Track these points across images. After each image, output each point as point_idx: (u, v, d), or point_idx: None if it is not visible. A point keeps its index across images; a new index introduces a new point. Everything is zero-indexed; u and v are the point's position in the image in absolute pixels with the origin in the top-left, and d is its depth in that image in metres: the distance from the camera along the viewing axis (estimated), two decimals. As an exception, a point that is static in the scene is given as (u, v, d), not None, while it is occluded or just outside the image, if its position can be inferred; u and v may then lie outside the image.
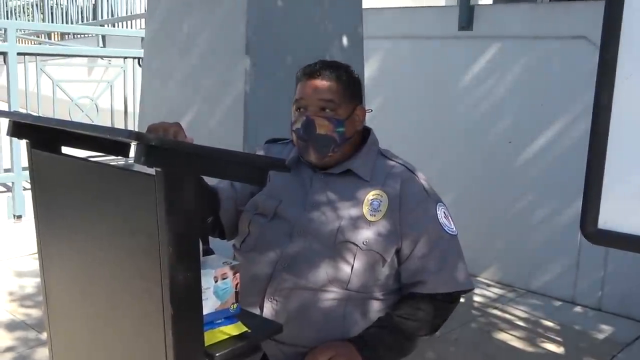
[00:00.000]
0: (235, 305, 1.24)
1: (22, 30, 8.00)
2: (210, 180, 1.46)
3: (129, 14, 7.90)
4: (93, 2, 8.44)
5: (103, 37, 7.40)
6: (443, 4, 5.12)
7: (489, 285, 3.93)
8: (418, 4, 4.62)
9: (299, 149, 1.67)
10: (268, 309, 1.59)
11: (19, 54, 4.54)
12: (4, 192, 4.67)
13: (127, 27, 7.89)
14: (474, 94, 3.97)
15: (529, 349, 3.11)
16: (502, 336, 3.23)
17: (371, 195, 1.63)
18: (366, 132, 1.75)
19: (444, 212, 1.67)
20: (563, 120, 3.62)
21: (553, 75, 3.67)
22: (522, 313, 3.54)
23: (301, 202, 1.65)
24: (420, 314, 1.60)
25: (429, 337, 1.65)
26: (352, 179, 1.66)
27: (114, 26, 7.99)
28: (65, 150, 1.41)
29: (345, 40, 2.79)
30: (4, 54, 4.46)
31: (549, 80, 3.68)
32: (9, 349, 2.79)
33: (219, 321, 1.22)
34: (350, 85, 1.67)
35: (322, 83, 1.64)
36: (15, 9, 10.13)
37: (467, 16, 3.94)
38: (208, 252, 1.32)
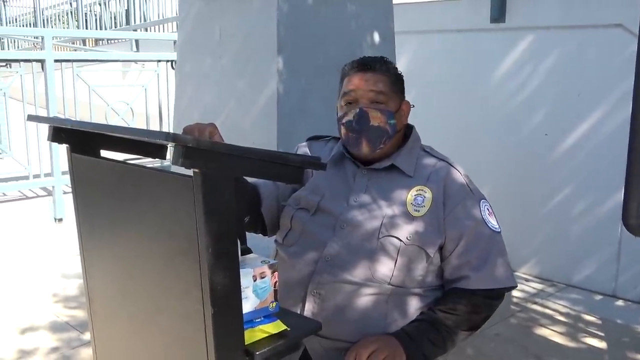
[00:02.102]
0: (275, 303, 1.25)
1: (58, 38, 8.16)
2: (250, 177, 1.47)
3: (160, 18, 7.99)
4: (126, 8, 8.56)
5: (136, 41, 7.50)
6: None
7: (527, 280, 3.88)
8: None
9: (349, 141, 1.67)
10: (310, 305, 1.60)
11: (55, 60, 4.63)
12: (45, 195, 4.77)
13: (159, 31, 7.99)
14: (508, 87, 3.92)
15: (570, 344, 3.06)
16: (543, 331, 3.18)
17: (415, 190, 1.63)
18: (408, 129, 1.76)
19: (488, 209, 1.66)
20: (600, 111, 3.56)
21: (589, 65, 3.60)
22: (562, 308, 3.48)
23: (344, 197, 1.66)
24: (462, 309, 1.60)
25: (471, 334, 1.64)
26: (395, 175, 1.67)
27: (146, 30, 8.09)
28: (104, 153, 1.43)
29: (376, 36, 2.78)
30: (42, 61, 4.56)
31: (585, 70, 3.62)
32: (53, 350, 2.85)
33: (259, 320, 1.23)
34: (396, 79, 1.70)
35: (372, 76, 1.65)
36: (51, 18, 10.34)
37: (499, 8, 3.89)
38: (246, 251, 1.33)
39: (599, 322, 3.32)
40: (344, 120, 1.66)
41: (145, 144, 1.41)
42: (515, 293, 3.64)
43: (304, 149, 1.85)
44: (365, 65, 1.67)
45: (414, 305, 1.60)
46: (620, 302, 3.57)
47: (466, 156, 3.86)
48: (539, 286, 3.80)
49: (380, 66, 1.67)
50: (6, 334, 2.97)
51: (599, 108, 3.56)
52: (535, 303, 3.54)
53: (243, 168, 1.15)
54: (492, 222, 1.65)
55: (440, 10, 4.27)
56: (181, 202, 1.11)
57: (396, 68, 1.73)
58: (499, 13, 3.89)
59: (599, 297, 3.64)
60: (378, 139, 1.64)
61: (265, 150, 1.19)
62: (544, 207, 3.85)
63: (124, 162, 1.32)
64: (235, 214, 1.12)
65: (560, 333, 3.16)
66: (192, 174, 1.07)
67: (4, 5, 11.61)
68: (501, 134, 3.98)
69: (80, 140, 1.39)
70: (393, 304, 1.59)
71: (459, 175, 1.67)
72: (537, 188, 3.86)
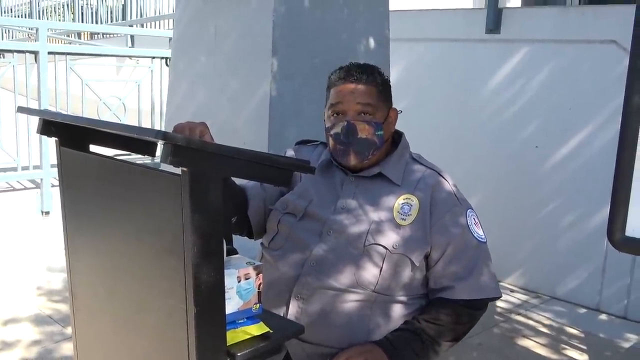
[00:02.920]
0: (258, 305, 1.24)
1: (53, 30, 8.13)
2: (239, 179, 1.47)
3: (157, 14, 7.98)
4: (122, 3, 8.54)
5: (131, 37, 7.49)
6: (471, 6, 5.09)
7: (512, 291, 3.90)
8: (445, 6, 4.59)
9: (337, 153, 1.67)
10: (294, 308, 1.60)
11: (49, 53, 4.61)
12: (33, 188, 4.74)
13: (155, 27, 7.98)
14: (500, 98, 3.94)
15: (553, 356, 3.07)
16: (526, 342, 3.19)
17: (402, 199, 1.63)
18: (397, 136, 1.75)
19: (474, 219, 1.66)
20: (591, 125, 3.58)
21: (582, 80, 3.62)
22: (546, 320, 3.50)
23: (331, 204, 1.66)
24: (446, 319, 1.60)
25: (454, 344, 1.65)
26: (383, 183, 1.67)
27: (142, 26, 8.07)
28: (93, 148, 1.43)
29: (372, 42, 2.79)
30: (35, 53, 4.54)
31: (578, 84, 3.64)
32: (35, 343, 2.83)
33: (242, 321, 1.23)
34: (384, 88, 1.69)
35: (359, 87, 1.64)
36: (46, 9, 10.29)
37: (494, 19, 3.91)
38: (232, 252, 1.33)
39: (582, 335, 3.33)
40: (332, 132, 1.66)
41: (136, 140, 1.40)
42: (499, 303, 3.65)
43: (292, 152, 1.85)
44: (352, 75, 1.66)
45: (398, 313, 1.61)
46: (603, 316, 3.59)
47: (457, 165, 3.88)
48: (524, 297, 3.81)
49: (367, 77, 1.66)
50: (-12, 326, 2.95)
51: (591, 122, 3.58)
52: (519, 314, 3.56)
53: (232, 168, 1.15)
54: (479, 232, 1.66)
55: (436, 19, 4.29)
56: (169, 200, 1.11)
57: (383, 75, 1.72)
58: (494, 24, 3.91)
59: (582, 311, 3.66)
60: (366, 151, 1.64)
61: (255, 151, 1.19)
62: (532, 218, 3.86)
63: (112, 158, 1.31)
64: (223, 214, 1.12)
65: (543, 345, 3.18)
66: (180, 173, 1.07)
67: (0, -4, 11.56)
68: (493, 144, 4.00)
69: (70, 134, 1.38)
70: (377, 310, 1.59)
71: (447, 184, 1.68)
72: (526, 199, 3.88)
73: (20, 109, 1.41)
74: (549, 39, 3.76)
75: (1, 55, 6.06)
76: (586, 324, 3.47)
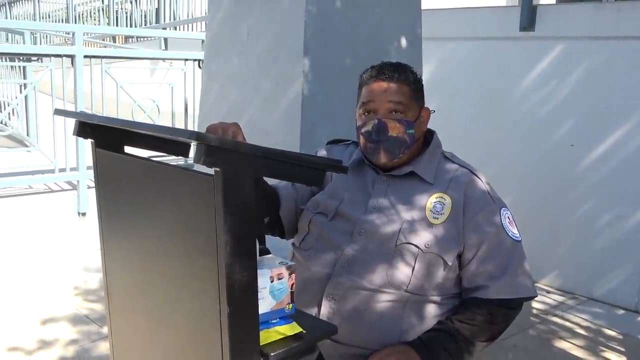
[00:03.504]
0: (291, 305, 1.25)
1: (89, 34, 8.27)
2: (270, 179, 1.48)
3: (189, 17, 8.06)
4: (156, 6, 8.65)
5: (165, 40, 7.57)
6: (504, 4, 5.03)
7: (549, 292, 3.83)
8: (478, 4, 4.54)
9: (368, 151, 1.67)
10: (326, 308, 1.60)
11: (85, 56, 4.70)
12: (70, 190, 4.83)
13: (188, 30, 8.06)
14: (535, 96, 3.88)
15: (590, 358, 3.01)
16: (562, 344, 3.14)
17: (434, 198, 1.61)
18: (429, 135, 1.74)
19: (508, 217, 1.64)
20: (628, 124, 3.50)
21: (618, 77, 3.55)
22: (583, 321, 3.44)
23: (363, 203, 1.66)
24: (480, 319, 1.58)
25: (488, 344, 1.62)
26: (415, 182, 1.65)
27: (175, 29, 8.17)
28: (128, 150, 1.45)
29: (403, 41, 2.77)
30: (72, 56, 4.62)
31: (614, 82, 3.57)
32: (72, 342, 2.88)
33: (274, 321, 1.23)
34: (416, 87, 1.68)
35: (390, 85, 1.63)
36: (82, 14, 10.48)
37: (529, 16, 3.85)
38: (264, 252, 1.33)
39: (620, 337, 3.26)
40: (362, 130, 1.66)
41: (169, 141, 1.42)
42: (535, 304, 3.60)
43: (323, 152, 1.85)
44: (384, 74, 1.65)
45: (431, 313, 1.59)
46: (642, 318, 3.52)
47: (491, 164, 3.84)
48: (560, 298, 3.75)
49: (399, 75, 1.65)
50: (27, 325, 3.01)
51: (628, 121, 3.51)
52: (556, 315, 3.50)
53: (264, 168, 1.15)
54: (513, 230, 1.63)
55: (469, 17, 4.25)
56: (202, 200, 1.12)
57: (415, 74, 1.71)
58: (528, 22, 3.85)
59: (621, 312, 3.58)
60: (397, 149, 1.64)
61: (288, 151, 1.19)
62: (568, 218, 3.80)
63: (147, 159, 1.33)
64: (255, 214, 1.12)
65: (580, 347, 3.12)
66: (213, 173, 1.07)
67: (38, 1, 11.78)
68: (527, 143, 3.94)
69: (105, 135, 1.41)
70: (410, 310, 1.58)
71: (480, 182, 1.65)
72: (561, 199, 3.82)
73: (57, 111, 1.44)
74: (584, 36, 3.69)
75: (39, 60, 6.20)
76: (625, 326, 3.40)
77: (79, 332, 2.98)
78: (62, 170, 4.66)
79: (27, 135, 5.18)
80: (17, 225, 4.22)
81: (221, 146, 1.06)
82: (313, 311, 1.62)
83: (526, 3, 3.88)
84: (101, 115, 4.61)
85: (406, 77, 1.66)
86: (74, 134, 1.41)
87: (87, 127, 1.40)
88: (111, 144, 1.41)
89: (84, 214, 4.61)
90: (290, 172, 1.21)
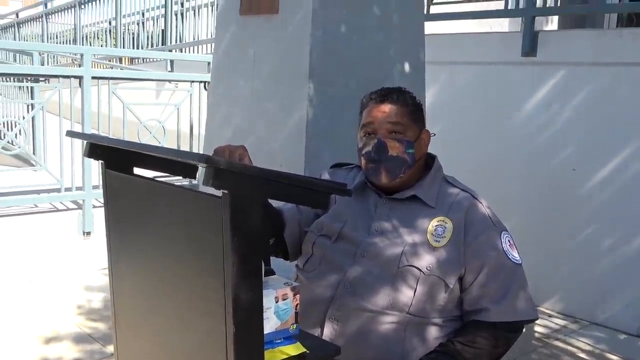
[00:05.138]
0: (295, 325, 1.27)
1: (95, 55, 8.35)
2: (275, 202, 1.50)
3: (195, 39, 8.14)
4: (162, 28, 8.75)
5: (171, 61, 7.65)
6: (506, 29, 5.08)
7: (550, 316, 3.83)
8: (481, 30, 4.60)
9: (369, 172, 1.70)
10: (329, 329, 1.61)
11: (93, 77, 4.75)
12: (75, 209, 4.86)
13: (193, 52, 8.14)
14: (537, 120, 3.92)
15: (593, 383, 3.01)
16: (565, 369, 3.14)
17: (435, 221, 1.64)
18: (430, 159, 1.77)
19: (509, 241, 1.66)
20: (630, 149, 3.53)
21: (620, 103, 3.58)
22: (585, 345, 3.43)
23: (366, 226, 1.68)
24: (482, 342, 1.59)
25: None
26: (417, 205, 1.68)
27: (181, 51, 8.25)
28: (136, 170, 1.48)
29: (407, 66, 2.82)
30: (80, 77, 4.68)
31: (616, 107, 3.60)
32: (76, 361, 2.89)
33: (279, 341, 1.25)
34: (415, 109, 1.72)
35: (390, 107, 1.68)
36: (89, 35, 10.59)
37: (531, 42, 3.90)
38: (269, 272, 1.35)
39: (623, 362, 3.26)
40: (363, 151, 1.70)
41: (177, 163, 1.45)
42: (537, 328, 3.59)
43: (327, 175, 1.88)
44: (383, 96, 1.71)
45: (433, 335, 1.61)
46: (645, 343, 3.51)
47: (493, 188, 3.86)
48: (562, 322, 3.75)
49: (397, 97, 1.71)
50: (30, 344, 3.02)
51: (629, 146, 3.53)
52: (558, 339, 3.49)
53: (271, 191, 1.18)
54: (514, 253, 1.66)
55: (471, 42, 4.30)
56: (209, 221, 1.15)
57: (414, 97, 1.76)
58: (530, 47, 3.90)
59: (623, 337, 3.58)
60: (397, 169, 1.67)
61: (294, 174, 1.22)
62: (570, 242, 3.81)
63: (155, 180, 1.36)
64: (262, 236, 1.14)
65: (583, 371, 3.12)
66: (221, 195, 1.10)
67: (47, 22, 11.92)
68: (529, 167, 3.97)
69: (115, 157, 1.44)
70: (412, 332, 1.59)
71: (481, 206, 1.68)
72: (563, 223, 3.83)
73: (69, 133, 1.48)
74: (586, 62, 3.73)
75: (46, 80, 6.27)
76: (627, 351, 3.39)
77: (82, 351, 2.99)
78: (68, 189, 4.69)
79: (34, 154, 5.22)
80: (22, 244, 4.24)
81: (229, 169, 1.09)
82: (316, 332, 1.63)
83: (528, 29, 3.93)
84: (108, 135, 4.67)
85: (404, 99, 1.72)
86: (84, 155, 1.44)
87: (97, 149, 1.43)
88: (120, 165, 1.45)
89: (88, 234, 4.63)
90: (296, 195, 1.23)
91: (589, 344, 3.45)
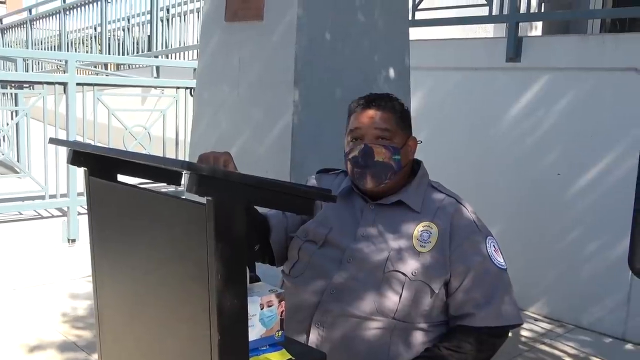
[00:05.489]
0: (280, 332, 1.26)
1: (81, 61, 8.31)
2: (261, 207, 1.50)
3: (181, 45, 8.13)
4: (148, 34, 8.73)
5: (157, 67, 7.63)
6: (491, 35, 5.12)
7: (536, 320, 3.85)
8: (466, 35, 4.63)
9: (355, 176, 1.71)
10: (314, 335, 1.61)
11: (77, 84, 4.73)
12: (60, 216, 4.82)
13: (180, 58, 8.12)
14: (521, 126, 3.94)
15: (578, 386, 3.02)
16: (550, 372, 3.15)
17: (421, 226, 1.65)
18: (416, 165, 1.78)
19: (494, 246, 1.67)
20: (613, 153, 3.56)
21: (603, 107, 3.62)
22: (570, 349, 3.45)
23: (352, 231, 1.68)
24: (467, 347, 1.60)
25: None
26: (402, 210, 1.69)
27: (167, 57, 8.23)
28: (120, 177, 1.47)
29: (392, 72, 2.83)
30: (64, 84, 4.65)
31: (599, 112, 3.63)
32: (60, 370, 2.86)
33: (264, 348, 1.25)
34: (402, 116, 1.73)
35: (377, 113, 1.69)
36: (74, 41, 10.54)
37: (515, 47, 3.93)
38: (254, 279, 1.35)
39: (608, 365, 3.28)
40: (350, 156, 1.70)
41: (161, 170, 1.44)
42: (523, 332, 3.61)
43: (313, 181, 1.88)
44: (371, 102, 1.72)
45: (419, 340, 1.61)
46: (629, 346, 3.53)
47: (478, 193, 3.88)
48: (548, 326, 3.77)
49: (385, 103, 1.71)
50: (14, 352, 2.99)
51: (613, 150, 3.57)
52: (544, 343, 3.51)
53: (255, 197, 1.18)
54: (499, 259, 1.67)
55: (456, 47, 4.32)
56: (193, 228, 1.14)
57: (402, 104, 1.77)
58: (515, 52, 3.93)
59: (608, 340, 3.60)
60: (383, 174, 1.67)
61: (278, 181, 1.22)
62: (555, 246, 3.83)
63: (139, 187, 1.35)
64: (246, 242, 1.14)
65: (568, 375, 3.13)
66: (205, 202, 1.10)
67: (31, 28, 11.85)
68: (514, 172, 3.99)
69: (99, 164, 1.43)
70: (397, 338, 1.59)
71: (466, 211, 1.69)
72: (548, 227, 3.86)
73: (52, 140, 1.47)
74: (569, 67, 3.77)
75: (30, 87, 6.23)
76: (612, 354, 3.41)
77: (66, 360, 2.97)
78: (53, 196, 4.66)
79: (18, 161, 5.18)
80: (6, 251, 4.20)
81: (212, 176, 1.09)
82: (301, 338, 1.63)
83: (512, 34, 3.97)
84: (92, 141, 4.65)
85: (392, 105, 1.72)
86: (67, 163, 1.43)
87: (80, 156, 1.43)
88: (104, 172, 1.44)
89: (73, 241, 4.60)
90: (281, 201, 1.23)
91: (574, 348, 3.47)
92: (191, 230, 1.15)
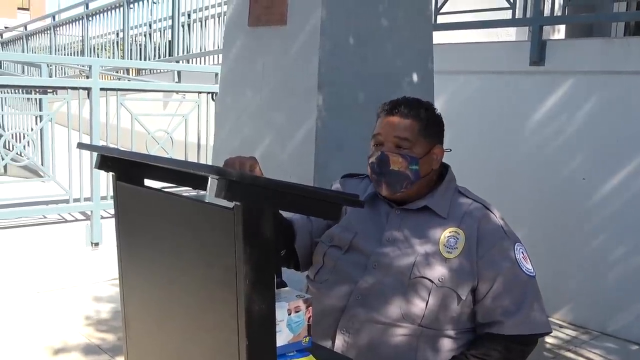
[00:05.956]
0: (308, 338, 1.26)
1: (103, 67, 8.39)
2: (286, 212, 1.50)
3: (202, 50, 8.18)
4: (169, 39, 8.79)
5: (178, 72, 7.68)
6: (514, 39, 5.08)
7: (561, 326, 3.80)
8: (489, 39, 4.60)
9: (373, 182, 1.70)
10: (340, 341, 1.60)
11: (101, 89, 4.77)
12: (83, 220, 4.87)
13: (200, 63, 8.17)
14: (546, 130, 3.91)
15: (605, 394, 2.98)
16: (576, 380, 3.11)
17: (448, 232, 1.63)
18: (444, 169, 1.76)
19: (522, 253, 1.65)
20: (639, 158, 3.51)
21: (628, 111, 3.57)
22: (596, 356, 3.40)
23: (377, 237, 1.67)
24: (495, 355, 1.58)
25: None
26: (429, 216, 1.67)
27: (188, 62, 8.28)
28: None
29: (415, 76, 2.81)
30: (88, 89, 4.70)
31: (624, 116, 3.59)
32: (84, 373, 2.88)
33: (291, 354, 1.24)
34: (429, 124, 1.69)
35: (399, 120, 1.67)
36: (96, 46, 10.66)
37: (538, 51, 3.90)
38: (281, 284, 1.35)
39: (635, 373, 3.23)
40: (369, 161, 1.70)
41: (187, 174, 1.45)
42: (548, 339, 3.56)
43: (338, 185, 1.87)
44: (393, 108, 1.69)
45: (446, 347, 1.59)
46: (657, 354, 3.48)
47: (502, 198, 3.83)
48: (573, 333, 3.72)
49: (409, 111, 1.68)
50: (38, 355, 3.02)
51: (639, 155, 3.52)
52: (569, 350, 3.47)
53: (283, 202, 1.17)
54: (527, 265, 1.64)
55: (480, 51, 4.30)
56: (221, 233, 1.14)
57: (431, 111, 1.72)
58: (538, 56, 3.90)
59: (634, 347, 3.55)
60: (398, 184, 1.65)
61: (305, 185, 1.21)
62: (580, 252, 3.79)
63: (166, 192, 1.35)
64: (274, 247, 1.14)
65: (594, 383, 3.09)
66: (232, 206, 1.10)
67: (55, 34, 12.00)
68: (538, 176, 3.95)
69: (126, 168, 1.43)
70: (424, 345, 1.58)
71: (494, 217, 1.67)
72: (574, 232, 3.81)
73: (80, 145, 1.48)
74: (593, 71, 3.72)
75: (54, 92, 6.30)
76: (639, 362, 3.36)
77: (90, 363, 2.99)
78: (76, 200, 4.71)
79: (42, 165, 5.24)
80: (31, 254, 4.25)
81: (241, 181, 1.08)
82: (327, 344, 1.62)
83: (536, 38, 3.93)
84: (116, 146, 4.69)
85: (417, 113, 1.69)
86: (95, 167, 1.44)
87: (108, 161, 1.43)
88: (131, 177, 1.44)
89: (96, 244, 4.64)
90: (308, 207, 1.22)
91: (600, 355, 3.42)
92: (219, 235, 1.15)
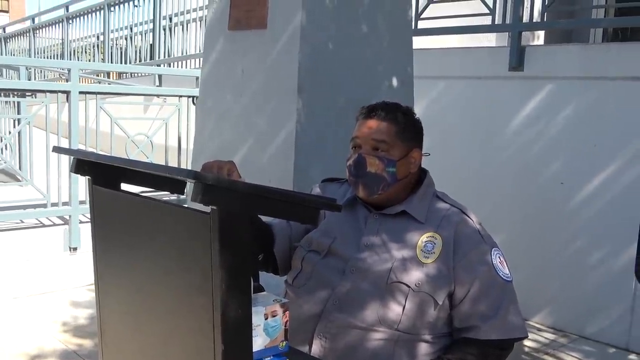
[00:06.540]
0: (284, 343, 1.25)
1: (83, 70, 8.32)
2: (265, 217, 1.49)
3: (183, 54, 8.14)
4: (150, 43, 8.74)
5: (159, 76, 7.64)
6: (494, 44, 5.12)
7: (540, 330, 3.83)
8: (469, 44, 4.63)
9: (351, 184, 1.71)
10: (317, 346, 1.60)
11: (80, 92, 4.72)
12: (62, 224, 4.81)
13: (182, 66, 8.13)
14: (525, 135, 3.94)
15: (583, 397, 3.00)
16: (554, 383, 3.13)
17: (425, 237, 1.63)
18: (422, 174, 1.77)
19: (499, 257, 1.65)
20: (617, 163, 3.55)
21: (606, 117, 3.61)
22: (574, 359, 3.43)
23: (355, 241, 1.67)
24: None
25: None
26: (406, 220, 1.67)
27: (169, 66, 8.24)
28: (122, 185, 1.46)
29: (395, 81, 2.82)
30: (67, 92, 4.65)
31: (602, 121, 3.63)
32: (61, 379, 2.85)
33: (268, 358, 1.24)
34: (406, 127, 1.70)
35: (376, 123, 1.68)
36: (77, 50, 10.57)
37: (518, 57, 3.93)
38: (258, 289, 1.34)
39: (612, 376, 3.26)
40: (347, 164, 1.71)
41: (165, 178, 1.44)
42: (527, 343, 3.59)
43: (318, 190, 1.87)
44: (370, 111, 1.71)
45: (423, 351, 1.60)
46: (633, 356, 3.51)
47: (481, 203, 3.87)
48: (552, 336, 3.75)
49: (387, 114, 1.69)
50: (15, 361, 2.98)
51: (616, 160, 3.56)
52: (547, 354, 3.49)
53: (260, 206, 1.17)
54: (504, 270, 1.65)
55: (460, 56, 4.32)
56: (197, 237, 1.13)
57: (409, 115, 1.74)
58: (518, 61, 3.93)
59: (612, 350, 3.58)
60: (374, 186, 1.66)
61: (283, 190, 1.21)
62: (559, 256, 3.82)
63: (143, 196, 1.34)
64: (251, 252, 1.13)
65: (572, 386, 3.11)
66: (209, 211, 1.09)
67: (34, 37, 11.88)
68: (517, 181, 3.98)
69: (102, 172, 1.42)
70: (400, 349, 1.58)
71: (471, 222, 1.68)
72: (552, 237, 3.84)
73: (55, 149, 1.46)
74: (572, 76, 3.76)
75: (33, 95, 6.23)
76: (616, 365, 3.39)
77: (67, 369, 2.95)
78: (54, 204, 4.65)
79: (20, 169, 5.18)
80: (8, 259, 4.19)
81: (217, 185, 1.08)
82: (304, 349, 1.62)
83: (515, 44, 3.97)
84: (95, 150, 4.64)
85: (394, 116, 1.70)
86: (71, 171, 1.43)
87: (84, 164, 1.42)
88: (108, 181, 1.43)
89: (75, 249, 4.58)
90: (285, 211, 1.22)
91: (578, 358, 3.45)
92: (195, 239, 1.14)
